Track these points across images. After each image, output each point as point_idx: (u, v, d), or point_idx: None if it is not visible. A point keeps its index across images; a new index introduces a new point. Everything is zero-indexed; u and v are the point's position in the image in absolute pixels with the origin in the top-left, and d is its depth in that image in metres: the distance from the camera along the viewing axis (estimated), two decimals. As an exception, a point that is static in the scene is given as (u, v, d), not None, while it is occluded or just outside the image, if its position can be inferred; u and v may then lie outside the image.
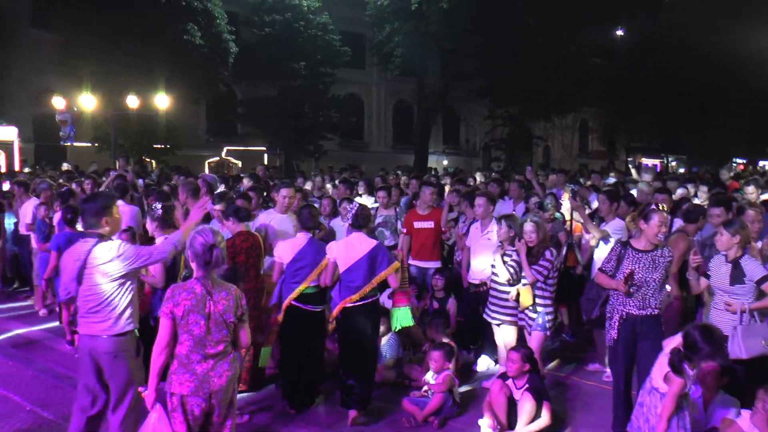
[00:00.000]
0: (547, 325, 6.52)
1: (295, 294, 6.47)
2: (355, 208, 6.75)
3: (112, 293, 4.69)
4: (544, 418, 5.82)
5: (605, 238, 7.45)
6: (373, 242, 6.50)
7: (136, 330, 4.87)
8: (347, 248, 6.45)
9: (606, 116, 45.52)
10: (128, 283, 4.76)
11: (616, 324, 5.75)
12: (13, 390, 6.94)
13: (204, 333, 4.23)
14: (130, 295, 4.76)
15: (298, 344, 6.57)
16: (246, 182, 11.87)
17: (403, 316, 6.68)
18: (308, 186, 13.46)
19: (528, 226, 6.66)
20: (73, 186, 11.56)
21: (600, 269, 6.01)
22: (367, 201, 10.88)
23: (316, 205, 8.72)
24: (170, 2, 24.52)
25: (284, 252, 6.61)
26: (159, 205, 6.92)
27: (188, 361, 4.23)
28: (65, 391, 6.84)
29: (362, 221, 6.58)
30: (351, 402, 6.35)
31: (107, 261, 4.66)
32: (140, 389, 4.37)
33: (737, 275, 5.71)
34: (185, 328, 4.22)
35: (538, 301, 6.56)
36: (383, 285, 6.59)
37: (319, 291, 6.64)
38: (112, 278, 4.67)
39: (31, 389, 7.00)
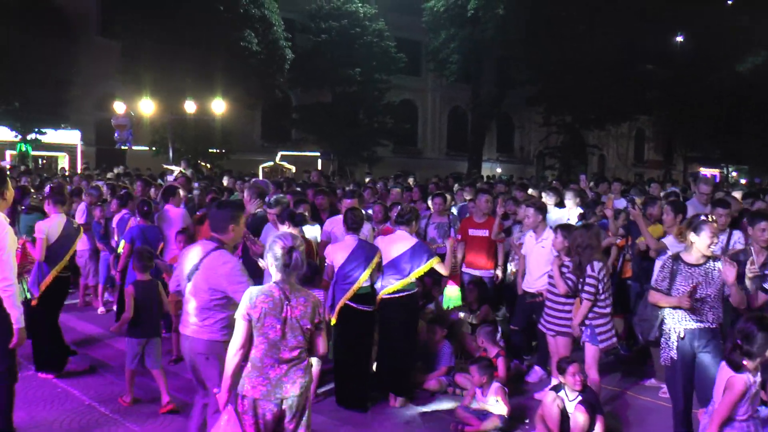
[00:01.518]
0: (598, 338, 6.34)
1: (349, 294, 6.57)
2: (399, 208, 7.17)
3: (213, 300, 4.75)
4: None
5: (663, 251, 7.24)
6: (414, 239, 6.86)
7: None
8: (390, 243, 6.82)
9: (663, 124, 44.60)
10: (228, 299, 4.74)
11: (675, 343, 5.53)
12: (73, 385, 7.10)
13: (279, 337, 4.13)
14: (228, 311, 4.71)
15: (352, 344, 6.67)
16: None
17: (452, 297, 7.27)
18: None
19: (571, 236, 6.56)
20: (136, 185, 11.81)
21: (653, 288, 5.76)
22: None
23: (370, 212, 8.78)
24: (229, 10, 24.99)
25: (335, 255, 6.72)
26: None
27: (262, 365, 4.13)
28: (121, 387, 6.96)
29: (405, 218, 6.90)
30: (389, 385, 6.68)
31: (215, 271, 4.71)
32: (214, 390, 4.37)
33: None
34: (261, 331, 4.13)
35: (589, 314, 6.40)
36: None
37: (371, 291, 6.74)
38: (216, 288, 4.72)
39: (90, 385, 7.14)
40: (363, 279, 6.56)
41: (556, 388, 5.99)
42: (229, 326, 4.61)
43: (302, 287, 4.34)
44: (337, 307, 6.63)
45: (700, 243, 5.48)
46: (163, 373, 6.57)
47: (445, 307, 7.42)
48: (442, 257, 7.02)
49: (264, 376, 4.13)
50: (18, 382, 5.48)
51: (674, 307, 5.51)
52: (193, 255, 4.87)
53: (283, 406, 4.16)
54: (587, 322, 6.34)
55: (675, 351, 5.51)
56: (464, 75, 34.51)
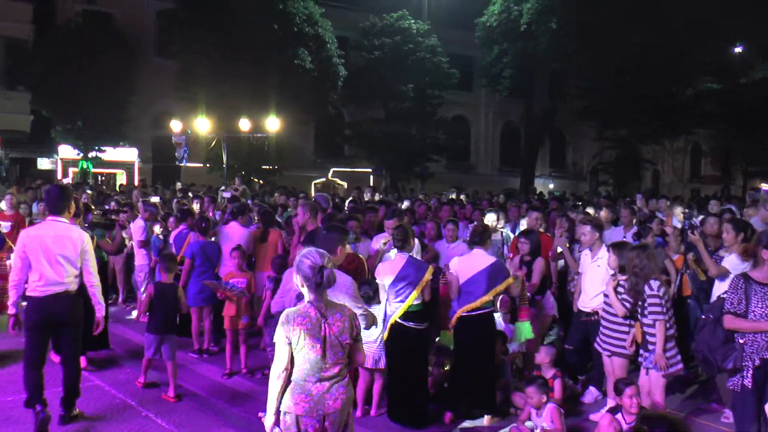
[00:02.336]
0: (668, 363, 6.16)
1: (400, 312, 6.59)
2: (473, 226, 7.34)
3: None
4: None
5: (724, 275, 7.02)
6: (493, 258, 6.98)
7: None
8: (468, 262, 6.89)
9: (721, 138, 43.46)
10: None
11: (750, 372, 5.23)
12: (130, 396, 7.27)
13: (320, 356, 4.15)
14: None
15: (404, 361, 6.68)
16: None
17: (525, 330, 7.30)
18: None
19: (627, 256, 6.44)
20: (194, 204, 12.05)
21: (731, 312, 5.37)
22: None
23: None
24: (283, 28, 25.38)
25: (385, 272, 6.74)
26: None
27: (304, 383, 4.17)
28: (184, 402, 7.12)
29: (479, 238, 7.01)
30: (458, 403, 6.71)
31: (341, 287, 5.03)
32: (260, 414, 4.36)
33: None
34: (301, 352, 4.15)
35: (648, 338, 6.23)
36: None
37: (423, 308, 6.74)
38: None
39: (146, 396, 7.29)
40: (413, 297, 6.57)
41: (613, 410, 5.87)
42: None
43: (336, 302, 4.37)
44: (388, 325, 6.65)
45: None
46: (175, 366, 7.32)
47: (518, 340, 7.48)
48: None
49: (306, 393, 4.16)
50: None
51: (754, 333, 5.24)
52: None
53: (326, 423, 4.19)
54: (650, 347, 6.16)
55: (749, 379, 5.24)
56: (517, 89, 34.31)
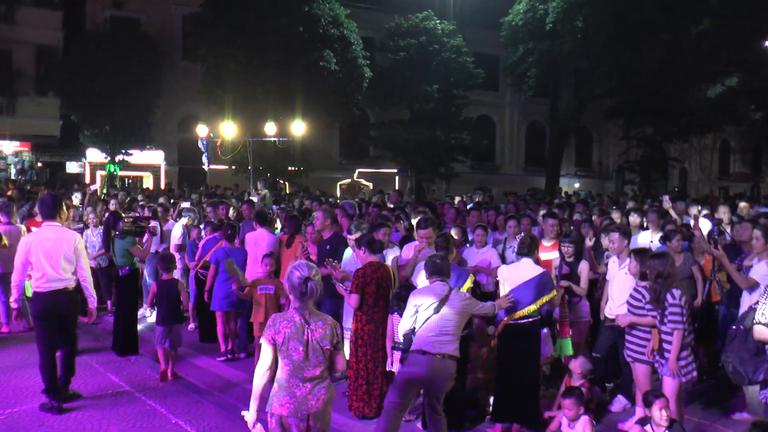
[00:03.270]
0: (680, 371, 6.15)
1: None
2: (521, 237, 7.59)
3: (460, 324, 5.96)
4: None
5: (753, 287, 6.95)
6: (540, 269, 6.96)
7: None
8: (517, 271, 6.97)
9: (750, 135, 42.87)
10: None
11: None
12: (159, 402, 7.39)
13: (302, 358, 4.52)
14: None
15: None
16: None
17: (566, 346, 7.46)
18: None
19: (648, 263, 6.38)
20: (220, 210, 12.19)
21: (761, 323, 5.26)
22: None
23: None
24: (308, 31, 25.45)
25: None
26: None
27: (288, 385, 4.52)
28: (205, 406, 7.21)
29: (526, 249, 7.05)
30: (503, 414, 6.71)
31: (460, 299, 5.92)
32: (243, 412, 4.65)
33: None
34: (285, 354, 4.52)
35: (664, 346, 6.20)
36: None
37: None
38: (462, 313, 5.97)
39: (175, 403, 7.40)
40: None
41: (642, 422, 5.84)
42: None
43: (320, 312, 4.78)
44: None
45: None
46: (177, 353, 8.47)
47: (558, 355, 7.54)
48: None
49: (291, 395, 4.52)
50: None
51: None
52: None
53: (310, 422, 4.55)
54: (666, 355, 6.15)
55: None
56: (542, 89, 34.18)
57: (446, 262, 6.24)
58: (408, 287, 7.06)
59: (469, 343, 6.99)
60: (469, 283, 6.81)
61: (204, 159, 23.59)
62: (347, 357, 7.19)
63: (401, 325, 6.16)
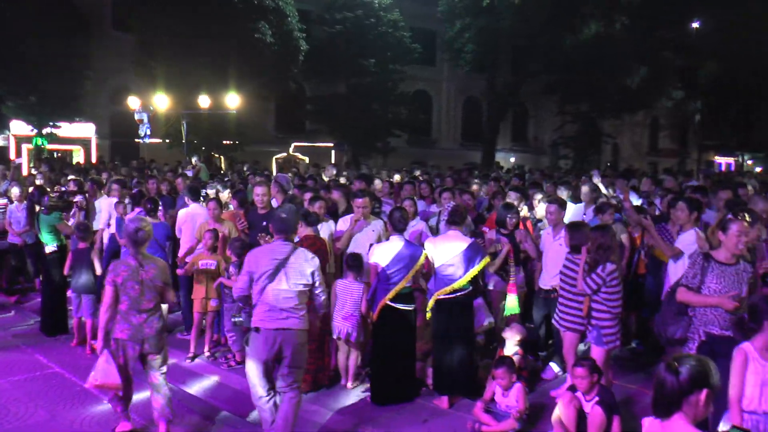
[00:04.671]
0: (604, 339, 6.32)
1: (391, 294, 6.67)
2: (451, 205, 7.43)
3: (303, 294, 5.45)
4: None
5: (678, 256, 7.19)
6: (469, 239, 6.93)
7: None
8: (444, 244, 6.86)
9: (678, 113, 44.14)
10: (309, 288, 5.51)
11: (696, 344, 5.46)
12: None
13: (138, 294, 5.65)
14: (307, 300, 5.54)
15: (391, 341, 6.78)
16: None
17: (512, 304, 7.48)
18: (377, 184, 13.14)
19: (590, 235, 6.47)
20: (150, 184, 11.90)
21: (685, 285, 5.62)
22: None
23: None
24: (243, 1, 24.92)
25: (381, 256, 6.78)
26: None
27: (127, 315, 5.63)
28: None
29: (458, 218, 7.02)
30: (444, 386, 6.77)
31: (306, 265, 5.44)
32: (92, 341, 5.53)
33: None
34: (124, 291, 5.61)
35: (593, 314, 6.37)
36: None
37: (411, 291, 6.89)
38: (305, 282, 5.42)
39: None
40: (406, 281, 6.68)
41: (573, 388, 5.97)
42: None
43: (152, 256, 6.02)
44: (378, 307, 6.73)
45: (728, 242, 5.43)
46: (94, 324, 7.89)
47: (505, 314, 7.55)
48: None
49: (129, 323, 5.64)
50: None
51: (713, 306, 5.40)
52: (273, 254, 5.43)
53: (145, 345, 5.68)
54: (594, 322, 6.32)
55: (694, 351, 5.39)
56: (479, 65, 34.34)
57: (295, 217, 5.76)
58: (356, 256, 7.08)
59: (414, 320, 7.01)
60: (422, 260, 6.79)
61: (147, 131, 22.95)
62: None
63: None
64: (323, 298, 5.61)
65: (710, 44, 36.16)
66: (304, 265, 5.42)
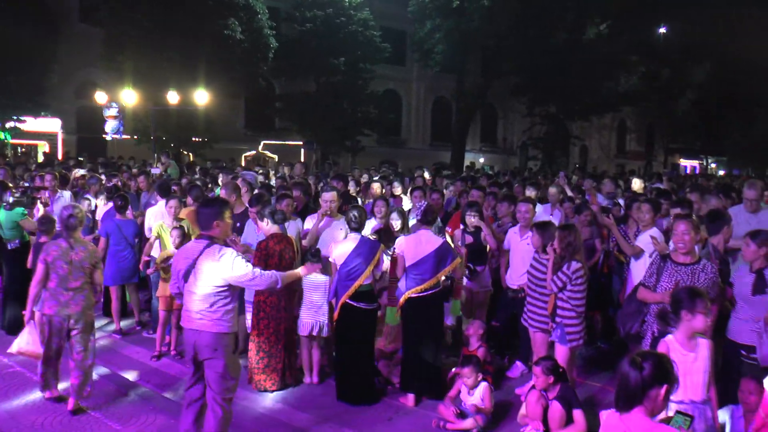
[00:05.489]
0: (567, 338, 6.40)
1: (351, 291, 6.66)
2: (424, 205, 7.46)
3: (216, 294, 5.07)
4: (578, 425, 5.72)
5: (638, 254, 7.31)
6: (441, 239, 6.98)
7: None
8: (416, 243, 6.88)
9: (645, 116, 44.78)
10: (231, 288, 5.16)
11: (649, 341, 5.66)
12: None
13: (67, 273, 6.17)
14: (231, 299, 5.18)
15: (352, 340, 6.77)
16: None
17: (456, 306, 7.47)
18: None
19: (557, 234, 6.54)
20: (124, 177, 11.76)
21: (642, 284, 5.98)
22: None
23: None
24: (213, -2, 24.75)
25: (340, 253, 6.78)
26: None
27: (55, 293, 6.16)
28: (102, 383, 6.97)
29: (430, 217, 7.08)
30: (411, 385, 6.78)
31: (215, 264, 5.03)
32: (23, 312, 5.80)
33: (760, 286, 5.67)
34: (54, 270, 6.15)
35: (558, 312, 6.45)
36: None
37: (371, 289, 6.85)
38: (216, 282, 5.06)
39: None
40: (364, 277, 6.67)
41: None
42: (234, 317, 5.20)
43: (82, 239, 6.45)
44: (339, 305, 6.73)
45: (674, 239, 5.70)
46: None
47: (453, 313, 7.58)
48: None
49: (56, 300, 6.16)
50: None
51: (658, 304, 5.59)
52: (185, 254, 5.22)
53: (71, 321, 6.18)
54: (558, 320, 6.40)
55: (647, 347, 5.59)
56: (449, 65, 34.45)
57: (215, 210, 5.29)
58: (317, 251, 7.11)
59: (375, 319, 7.02)
60: (378, 254, 6.80)
61: (118, 126, 22.64)
62: (248, 330, 7.15)
63: None
64: (262, 280, 5.16)
65: (676, 50, 36.80)
66: (213, 266, 5.03)
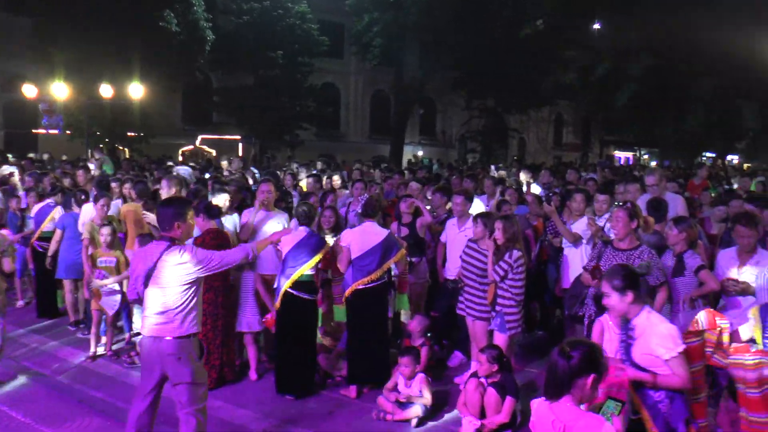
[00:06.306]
0: (507, 326, 6.51)
1: (291, 281, 6.69)
2: (365, 198, 7.56)
3: (179, 296, 4.84)
4: (503, 414, 5.83)
5: (577, 241, 7.49)
6: (386, 231, 7.08)
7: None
8: (361, 235, 6.95)
9: (580, 109, 45.68)
10: (195, 287, 4.95)
11: (586, 323, 5.93)
12: None
13: None
14: (195, 298, 4.95)
15: (293, 331, 6.78)
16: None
17: (403, 301, 7.61)
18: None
19: (496, 224, 6.62)
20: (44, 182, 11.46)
21: (584, 268, 6.29)
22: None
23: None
24: (148, -11, 24.16)
25: (285, 243, 6.79)
26: None
27: None
28: (37, 388, 6.80)
29: (371, 210, 7.13)
30: (357, 376, 6.83)
31: (178, 264, 4.81)
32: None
33: (679, 269, 6.03)
34: None
35: (498, 301, 6.57)
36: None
37: (312, 280, 6.88)
38: (181, 282, 4.84)
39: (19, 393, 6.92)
40: (305, 268, 6.70)
41: (477, 374, 6.12)
42: (197, 316, 4.97)
43: None
44: (280, 294, 6.75)
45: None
46: None
47: (397, 310, 7.66)
48: None
49: None
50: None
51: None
52: (144, 257, 4.96)
53: None
54: (498, 308, 6.51)
55: (585, 329, 5.93)
56: (388, 59, 34.50)
57: (175, 210, 5.07)
58: None
59: (315, 310, 7.06)
60: (322, 252, 6.82)
61: (57, 121, 21.94)
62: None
63: None
64: (233, 259, 5.09)
65: (611, 46, 37.58)
66: (176, 267, 4.82)
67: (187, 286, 4.87)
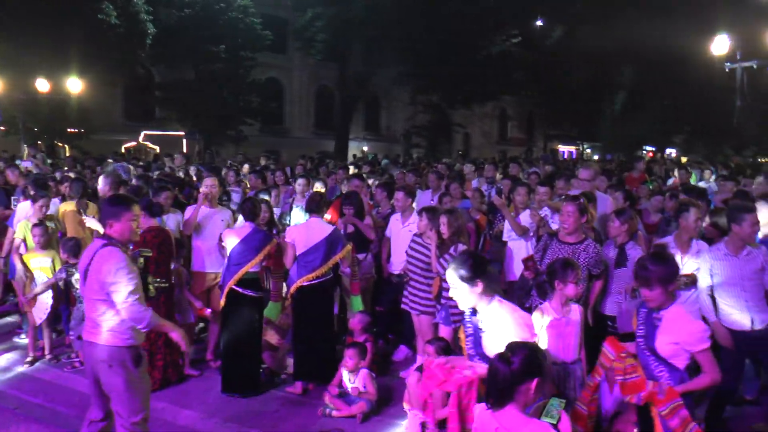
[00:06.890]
0: (451, 318, 6.53)
1: (236, 278, 6.63)
2: (309, 194, 7.54)
3: (108, 300, 4.45)
4: (449, 407, 5.86)
5: (525, 233, 7.60)
6: (331, 227, 7.00)
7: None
8: (306, 231, 6.90)
9: (525, 104, 46.37)
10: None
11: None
12: None
13: None
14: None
15: (238, 328, 6.73)
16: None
17: (357, 303, 7.48)
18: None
19: (441, 218, 6.65)
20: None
21: (522, 259, 6.42)
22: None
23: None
24: (84, -21, 23.57)
25: (230, 239, 6.76)
26: None
27: None
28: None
29: (315, 206, 7.04)
30: (303, 373, 6.79)
31: (103, 266, 4.42)
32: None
33: (621, 260, 6.17)
34: None
35: (444, 294, 6.55)
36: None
37: (257, 277, 6.86)
38: (107, 285, 4.42)
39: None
40: (251, 265, 6.66)
41: (421, 368, 6.14)
42: (133, 330, 4.50)
43: None
44: (225, 291, 6.70)
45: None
46: None
47: (354, 309, 7.57)
48: None
49: None
50: None
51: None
52: (86, 254, 4.64)
53: None
54: (443, 301, 6.55)
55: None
56: (331, 54, 34.40)
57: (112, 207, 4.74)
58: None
59: (261, 308, 7.00)
60: (269, 248, 6.78)
61: None
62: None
63: None
64: (131, 310, 4.41)
65: (554, 43, 38.23)
66: (102, 270, 4.39)
67: (111, 291, 4.43)
